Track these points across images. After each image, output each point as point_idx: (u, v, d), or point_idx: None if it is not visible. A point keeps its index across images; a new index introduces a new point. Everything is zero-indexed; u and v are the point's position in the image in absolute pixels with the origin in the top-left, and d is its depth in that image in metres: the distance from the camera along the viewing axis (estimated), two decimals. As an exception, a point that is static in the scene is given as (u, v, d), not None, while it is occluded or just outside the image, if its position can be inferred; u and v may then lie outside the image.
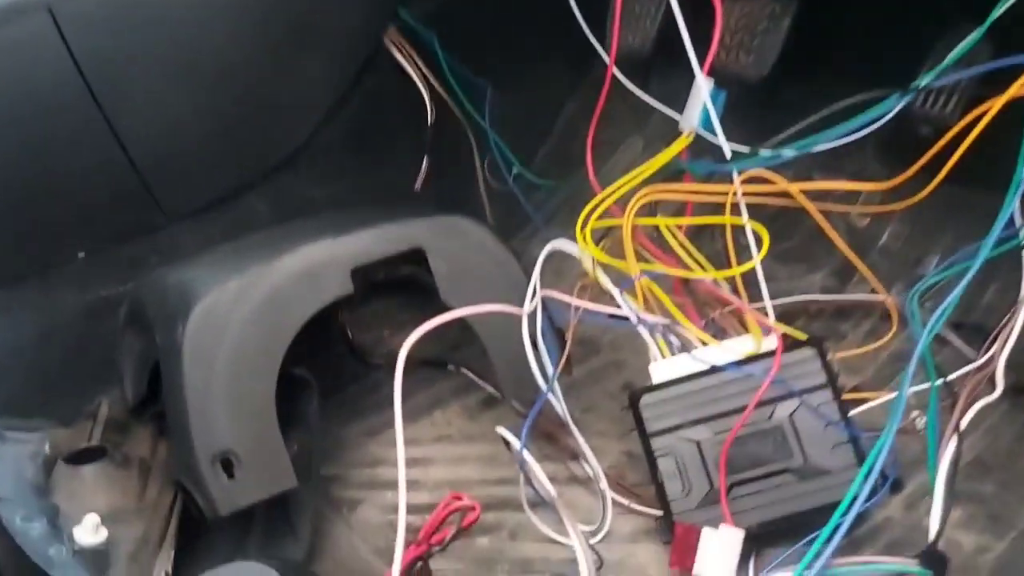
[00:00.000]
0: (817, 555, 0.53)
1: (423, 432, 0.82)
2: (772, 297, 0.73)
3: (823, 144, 0.71)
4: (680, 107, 0.78)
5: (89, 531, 0.65)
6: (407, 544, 0.63)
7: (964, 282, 0.60)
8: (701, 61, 0.73)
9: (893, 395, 0.70)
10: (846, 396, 0.67)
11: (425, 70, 0.96)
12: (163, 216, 0.87)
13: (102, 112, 0.80)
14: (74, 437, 0.73)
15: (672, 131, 0.78)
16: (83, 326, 0.82)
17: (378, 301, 0.90)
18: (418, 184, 0.98)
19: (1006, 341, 0.66)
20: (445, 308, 0.70)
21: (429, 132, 0.97)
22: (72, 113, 0.79)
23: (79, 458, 0.70)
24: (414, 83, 0.96)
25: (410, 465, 0.78)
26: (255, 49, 0.85)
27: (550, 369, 0.70)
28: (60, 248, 0.83)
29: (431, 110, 0.97)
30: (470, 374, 0.85)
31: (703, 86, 0.74)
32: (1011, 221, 0.65)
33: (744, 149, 0.76)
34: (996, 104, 0.67)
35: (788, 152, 0.73)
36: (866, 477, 0.57)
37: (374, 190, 0.96)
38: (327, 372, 0.83)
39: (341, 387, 0.86)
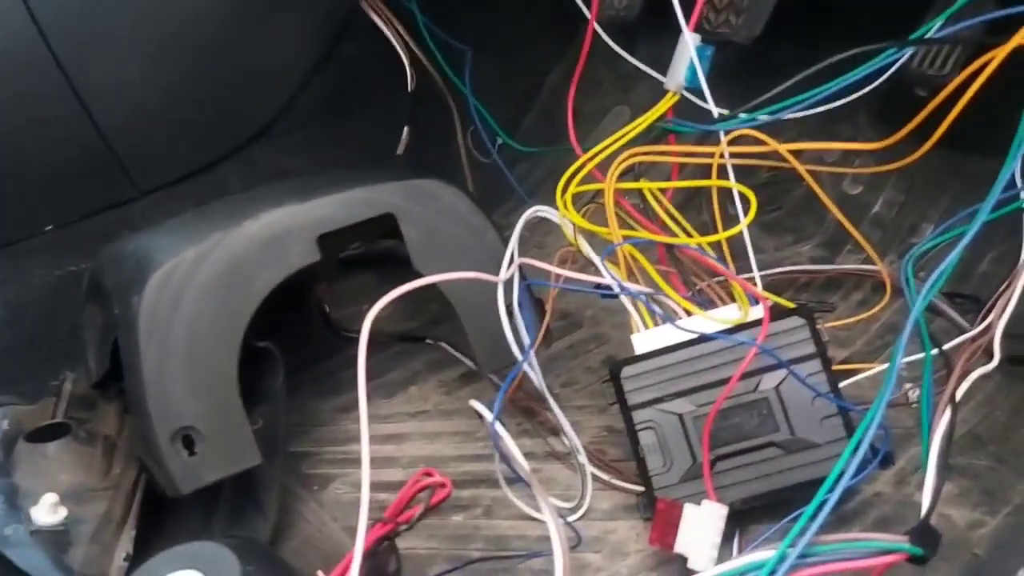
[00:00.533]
0: (802, 532, 0.50)
1: (399, 407, 0.80)
2: (759, 269, 0.71)
3: (815, 101, 0.68)
4: (667, 73, 0.75)
5: (46, 511, 0.62)
6: (374, 522, 0.61)
7: (962, 244, 0.57)
8: (688, 20, 0.71)
9: (884, 367, 0.68)
10: (835, 368, 0.65)
11: (404, 34, 0.92)
12: (133, 188, 0.85)
13: (67, 78, 0.78)
14: (38, 413, 0.71)
15: (659, 101, 0.75)
16: (52, 301, 0.80)
17: (357, 276, 0.89)
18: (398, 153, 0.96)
19: (1004, 309, 0.63)
20: (423, 280, 0.67)
21: (409, 100, 0.94)
22: (36, 80, 0.77)
23: (42, 435, 0.68)
24: (393, 48, 0.92)
25: (385, 441, 0.76)
26: (223, 12, 0.82)
27: (527, 339, 0.67)
28: (27, 221, 0.82)
29: (411, 76, 0.94)
30: (448, 347, 0.83)
31: (689, 40, 0.71)
32: (1012, 183, 0.61)
33: (733, 114, 0.73)
34: (999, 54, 0.64)
35: (776, 111, 0.70)
36: (855, 450, 0.54)
37: (351, 161, 0.94)
38: (302, 347, 0.81)
39: (316, 363, 0.84)
